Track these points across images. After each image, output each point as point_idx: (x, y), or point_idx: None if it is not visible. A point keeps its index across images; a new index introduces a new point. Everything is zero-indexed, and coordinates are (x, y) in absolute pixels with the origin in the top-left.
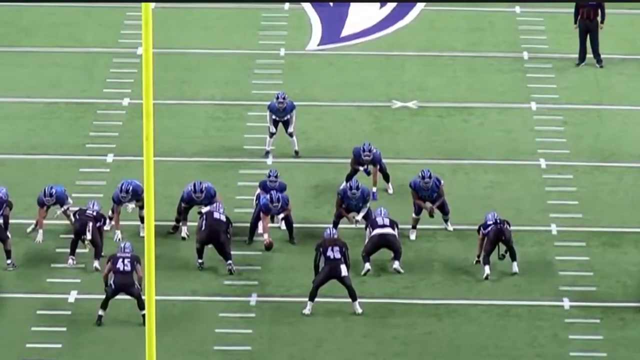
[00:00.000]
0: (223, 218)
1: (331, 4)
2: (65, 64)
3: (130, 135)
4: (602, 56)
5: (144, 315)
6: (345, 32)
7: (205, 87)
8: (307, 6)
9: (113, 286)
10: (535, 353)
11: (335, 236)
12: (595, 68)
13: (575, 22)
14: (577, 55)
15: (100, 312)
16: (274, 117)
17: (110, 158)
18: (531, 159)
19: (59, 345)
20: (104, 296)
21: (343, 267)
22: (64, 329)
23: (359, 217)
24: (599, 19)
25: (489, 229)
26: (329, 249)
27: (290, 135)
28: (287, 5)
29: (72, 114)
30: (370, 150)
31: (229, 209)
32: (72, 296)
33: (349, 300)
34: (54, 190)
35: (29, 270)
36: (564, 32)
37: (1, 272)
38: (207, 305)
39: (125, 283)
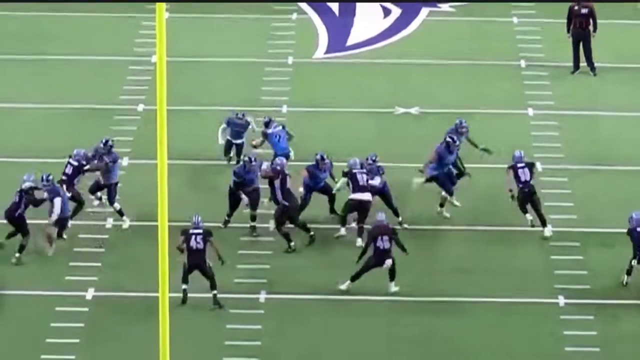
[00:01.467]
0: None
1: (337, 14)
2: (83, 71)
3: (145, 139)
4: (595, 64)
5: (214, 295)
6: (350, 41)
7: (216, 94)
8: (314, 16)
9: (187, 265)
10: (532, 348)
11: (385, 222)
12: (589, 76)
13: (569, 32)
14: (571, 64)
15: (184, 287)
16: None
17: (125, 161)
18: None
19: (77, 341)
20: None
21: (388, 261)
22: (82, 325)
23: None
24: (591, 28)
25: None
26: (379, 238)
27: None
28: (294, 15)
29: (89, 119)
30: (374, 161)
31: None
32: (90, 294)
33: (356, 297)
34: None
35: (48, 268)
36: (560, 41)
37: (22, 270)
38: (219, 301)
39: (198, 262)
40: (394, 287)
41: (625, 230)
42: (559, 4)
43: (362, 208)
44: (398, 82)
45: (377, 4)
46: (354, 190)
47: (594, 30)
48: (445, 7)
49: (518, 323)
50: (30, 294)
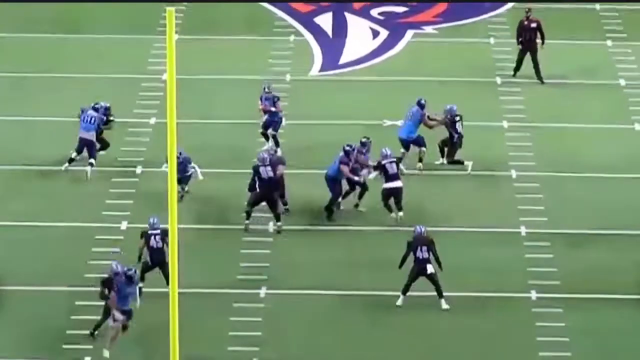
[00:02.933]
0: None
1: (331, 35)
2: (100, 88)
3: (156, 149)
4: (563, 81)
5: None
6: (342, 60)
7: (221, 108)
8: (310, 37)
9: (150, 262)
10: (507, 338)
11: (425, 234)
12: (558, 91)
13: (518, 43)
14: (545, 81)
15: (140, 285)
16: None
17: (139, 169)
18: (503, 170)
19: (95, 332)
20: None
21: (429, 267)
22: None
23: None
24: (539, 40)
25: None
26: (418, 248)
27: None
28: (292, 37)
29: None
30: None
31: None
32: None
33: (350, 292)
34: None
35: (69, 266)
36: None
37: (47, 269)
38: (223, 296)
39: (159, 260)
40: (445, 305)
41: (592, 232)
42: None
43: (395, 194)
44: (385, 97)
45: (367, 27)
46: (387, 180)
47: (542, 43)
48: (428, 29)
49: (494, 315)
50: (52, 289)
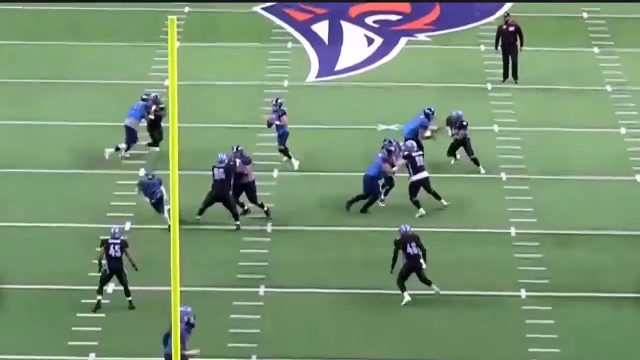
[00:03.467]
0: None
1: (327, 43)
2: (105, 93)
3: (160, 152)
4: (551, 86)
5: (130, 302)
6: (338, 67)
7: (221, 113)
8: (307, 45)
9: (108, 271)
10: (497, 335)
11: (410, 232)
12: (547, 96)
13: (496, 48)
14: (531, 86)
15: (98, 297)
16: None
17: (142, 172)
18: (493, 173)
19: (99, 329)
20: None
21: (422, 262)
22: (103, 315)
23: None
24: (518, 43)
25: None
26: (408, 245)
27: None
28: (290, 44)
29: (110, 135)
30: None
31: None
32: (110, 288)
33: (347, 290)
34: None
35: (75, 266)
36: (521, 66)
37: (52, 270)
38: (223, 295)
39: (116, 269)
40: (436, 288)
41: (579, 232)
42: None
43: (425, 185)
44: (380, 102)
45: (362, 35)
46: (415, 172)
47: (521, 45)
48: (421, 36)
49: (486, 313)
50: (59, 288)
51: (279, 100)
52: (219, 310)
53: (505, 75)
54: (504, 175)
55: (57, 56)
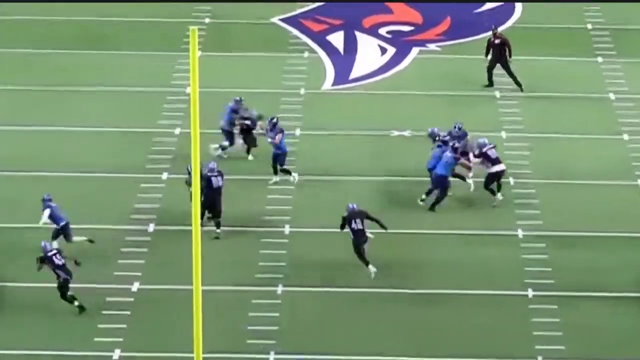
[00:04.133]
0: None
1: (342, 52)
2: (128, 100)
3: (181, 157)
4: (557, 94)
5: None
6: (353, 75)
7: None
8: (323, 54)
9: (69, 278)
10: (505, 332)
11: (357, 209)
12: (553, 104)
13: (486, 56)
14: (538, 93)
15: (76, 303)
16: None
17: (164, 176)
18: (502, 177)
19: (124, 326)
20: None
21: (368, 234)
22: (128, 312)
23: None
24: (507, 55)
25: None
26: (353, 221)
27: None
28: (306, 54)
29: (133, 140)
30: (459, 129)
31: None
32: (135, 286)
33: (361, 289)
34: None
35: (100, 265)
36: (528, 75)
37: (79, 269)
38: (243, 293)
39: (69, 272)
40: (373, 268)
41: (584, 234)
42: (529, 47)
43: (500, 176)
44: (393, 109)
45: (375, 45)
46: (493, 164)
47: (510, 56)
48: (432, 46)
49: (494, 311)
50: (85, 286)
51: (274, 120)
52: (238, 308)
53: (491, 84)
54: (511, 180)
55: (83, 64)
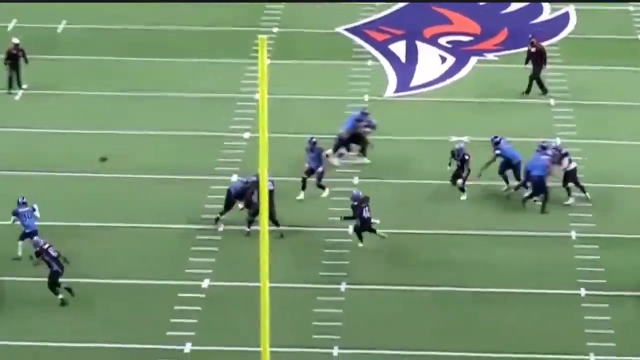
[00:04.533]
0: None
1: (404, 61)
2: (200, 106)
3: (250, 160)
4: (608, 102)
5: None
6: (414, 83)
7: (306, 124)
8: (385, 62)
9: (60, 271)
10: (558, 329)
11: (362, 196)
12: (608, 111)
13: (526, 64)
14: (593, 102)
15: (61, 296)
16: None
17: (234, 178)
18: (556, 182)
19: (195, 321)
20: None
21: (373, 223)
22: (199, 308)
23: None
24: (543, 62)
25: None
26: (363, 209)
27: None
28: (370, 62)
29: (205, 144)
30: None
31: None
32: (205, 283)
33: (422, 288)
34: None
35: (172, 262)
36: (582, 83)
37: (153, 266)
38: (308, 291)
39: (61, 264)
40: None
41: (636, 236)
42: (582, 56)
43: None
44: (451, 116)
45: (435, 54)
46: (569, 163)
47: (544, 64)
48: (490, 56)
49: (548, 309)
50: (158, 283)
51: (313, 139)
52: (304, 305)
53: (545, 91)
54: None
55: (159, 71)
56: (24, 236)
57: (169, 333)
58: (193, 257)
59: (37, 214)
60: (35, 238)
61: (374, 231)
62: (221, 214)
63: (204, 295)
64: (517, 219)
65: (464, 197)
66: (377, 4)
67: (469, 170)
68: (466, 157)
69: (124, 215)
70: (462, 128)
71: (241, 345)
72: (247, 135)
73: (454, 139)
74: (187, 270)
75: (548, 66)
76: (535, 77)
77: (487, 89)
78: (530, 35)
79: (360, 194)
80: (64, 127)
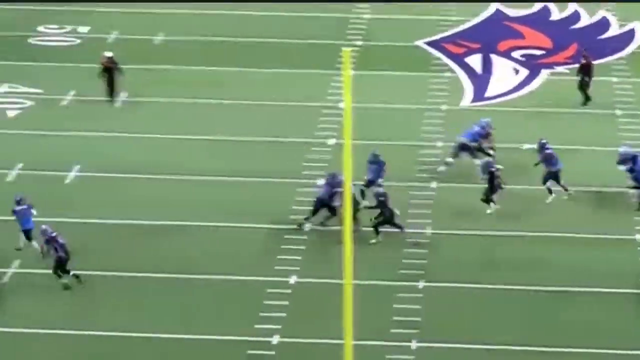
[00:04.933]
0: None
1: (479, 72)
2: (288, 113)
3: (334, 165)
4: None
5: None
6: (489, 93)
7: (389, 131)
8: (462, 74)
9: (65, 256)
10: (620, 327)
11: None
12: None
13: (577, 75)
14: None
15: (65, 280)
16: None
17: (320, 181)
18: (620, 186)
19: (283, 315)
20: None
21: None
22: (286, 303)
23: None
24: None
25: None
26: (388, 204)
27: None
28: (447, 74)
29: (292, 149)
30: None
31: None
32: (293, 279)
33: (497, 286)
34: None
35: (262, 260)
36: None
37: (243, 263)
38: (387, 287)
39: (68, 252)
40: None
41: None
42: None
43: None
44: (524, 124)
45: (509, 66)
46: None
47: (589, 78)
48: (560, 69)
49: (611, 307)
50: (250, 279)
51: (376, 151)
52: (383, 301)
53: (586, 101)
54: (629, 190)
55: (251, 80)
56: (27, 234)
57: (257, 326)
58: (281, 255)
59: (34, 211)
60: (44, 227)
61: (398, 226)
62: (306, 219)
63: (291, 291)
64: (584, 221)
65: (490, 210)
66: (454, 18)
67: (498, 184)
68: (493, 170)
69: (218, 216)
70: (534, 135)
71: (325, 337)
72: (332, 141)
73: (526, 146)
74: (275, 267)
75: (614, 79)
76: (581, 86)
77: (557, 100)
78: (583, 49)
79: (382, 189)
80: (161, 132)
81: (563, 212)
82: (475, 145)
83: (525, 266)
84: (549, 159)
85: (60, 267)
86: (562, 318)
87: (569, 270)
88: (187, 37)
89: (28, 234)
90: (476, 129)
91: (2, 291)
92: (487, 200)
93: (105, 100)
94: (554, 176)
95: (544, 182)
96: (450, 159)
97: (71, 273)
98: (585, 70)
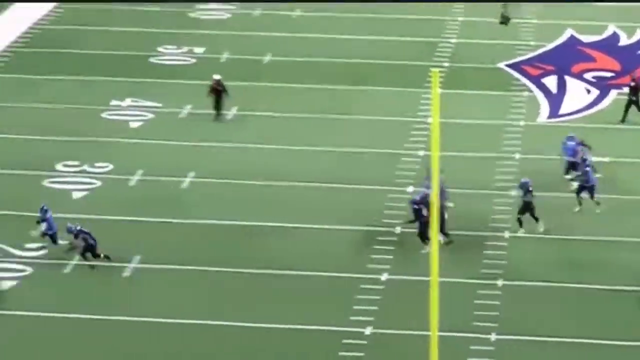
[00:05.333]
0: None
1: (554, 92)
2: (382, 127)
3: (422, 174)
4: None
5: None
6: (562, 111)
7: (470, 143)
8: (539, 93)
9: (93, 242)
10: None
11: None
12: None
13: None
14: None
15: (94, 262)
16: None
17: (410, 189)
18: None
19: (375, 308)
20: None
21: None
22: (378, 297)
23: None
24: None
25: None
26: (424, 209)
27: None
28: (525, 93)
29: (385, 159)
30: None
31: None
32: (384, 276)
33: (566, 285)
34: None
35: (355, 259)
36: None
37: (338, 262)
38: (469, 285)
39: (95, 239)
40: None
41: None
42: None
43: None
44: (595, 140)
45: (582, 87)
46: None
47: (636, 98)
48: (627, 89)
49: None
50: (336, 275)
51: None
52: (464, 297)
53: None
54: None
55: (348, 97)
56: (54, 239)
57: (351, 318)
58: (373, 254)
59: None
60: (69, 224)
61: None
62: (409, 222)
63: (382, 287)
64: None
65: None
66: (532, 43)
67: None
68: (530, 189)
69: (319, 219)
70: (603, 150)
71: (413, 329)
72: (421, 153)
73: (595, 159)
74: (368, 265)
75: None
76: (628, 105)
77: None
78: (633, 72)
79: (418, 197)
80: (268, 143)
81: (632, 220)
82: (575, 160)
83: (597, 267)
84: (587, 175)
85: (91, 251)
86: (631, 315)
87: (636, 272)
88: (291, 58)
89: (54, 237)
90: (570, 144)
91: (128, 282)
92: (524, 220)
93: (214, 115)
94: (589, 190)
95: (578, 194)
96: (568, 176)
97: (102, 255)
98: (635, 92)
